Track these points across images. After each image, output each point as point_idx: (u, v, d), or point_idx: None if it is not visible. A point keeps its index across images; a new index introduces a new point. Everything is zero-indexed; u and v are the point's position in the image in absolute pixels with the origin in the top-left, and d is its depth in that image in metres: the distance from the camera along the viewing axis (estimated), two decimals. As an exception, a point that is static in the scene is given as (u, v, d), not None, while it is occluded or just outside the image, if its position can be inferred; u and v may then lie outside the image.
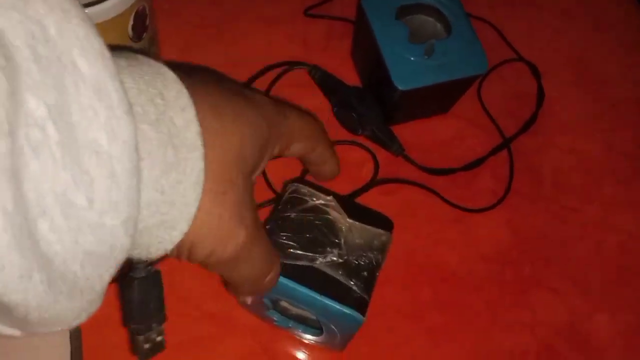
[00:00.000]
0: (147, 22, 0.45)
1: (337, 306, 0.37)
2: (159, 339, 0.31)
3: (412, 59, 0.49)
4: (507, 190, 0.56)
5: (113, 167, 0.21)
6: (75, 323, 0.22)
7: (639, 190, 0.58)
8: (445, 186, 0.55)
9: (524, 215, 0.56)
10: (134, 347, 0.31)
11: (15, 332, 0.21)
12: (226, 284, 0.36)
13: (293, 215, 0.38)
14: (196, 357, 0.47)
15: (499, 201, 0.55)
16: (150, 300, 0.30)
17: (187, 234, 0.27)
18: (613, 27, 0.67)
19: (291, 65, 0.56)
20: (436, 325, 0.51)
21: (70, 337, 0.46)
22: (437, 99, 0.55)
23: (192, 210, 0.26)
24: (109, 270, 0.23)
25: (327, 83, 0.54)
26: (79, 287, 0.21)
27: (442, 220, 0.54)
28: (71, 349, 0.45)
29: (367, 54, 0.53)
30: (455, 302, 0.52)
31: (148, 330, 0.30)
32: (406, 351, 0.49)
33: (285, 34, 0.60)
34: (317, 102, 0.56)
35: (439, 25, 0.53)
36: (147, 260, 0.29)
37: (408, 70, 0.49)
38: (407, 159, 0.54)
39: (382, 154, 0.54)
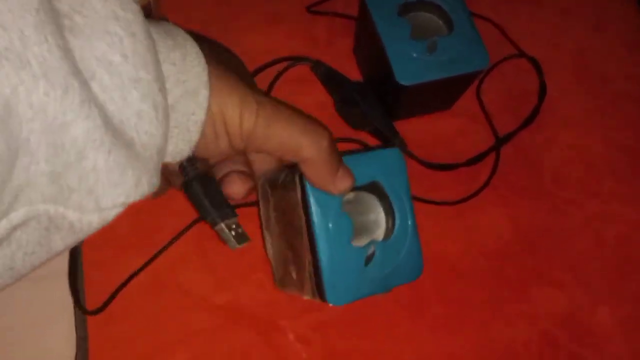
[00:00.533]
0: (152, 16, 0.45)
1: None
2: (240, 230, 0.35)
3: (414, 55, 0.50)
4: (487, 181, 0.56)
5: (132, 28, 0.25)
6: (135, 191, 0.25)
7: (639, 184, 0.59)
8: (447, 182, 0.56)
9: (525, 210, 0.56)
10: (222, 238, 0.35)
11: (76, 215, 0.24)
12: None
13: None
14: (200, 349, 0.48)
15: (481, 188, 0.56)
16: (215, 195, 0.34)
17: (212, 102, 0.30)
18: (614, 25, 0.67)
19: (294, 60, 0.57)
20: (438, 318, 0.51)
21: (76, 328, 0.47)
22: (439, 95, 0.55)
23: (204, 76, 0.30)
24: (159, 138, 0.26)
25: (330, 79, 0.54)
26: (135, 152, 0.25)
27: (443, 215, 0.55)
28: (77, 338, 0.46)
29: (370, 50, 0.54)
30: (456, 296, 0.52)
31: (226, 218, 0.34)
32: (408, 345, 0.50)
33: (288, 30, 0.60)
34: (319, 97, 0.56)
35: (441, 22, 0.53)
36: (195, 161, 0.33)
37: (410, 67, 0.50)
38: (410, 154, 0.55)
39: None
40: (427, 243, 0.53)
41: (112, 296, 0.48)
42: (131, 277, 0.48)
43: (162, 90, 0.27)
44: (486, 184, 0.56)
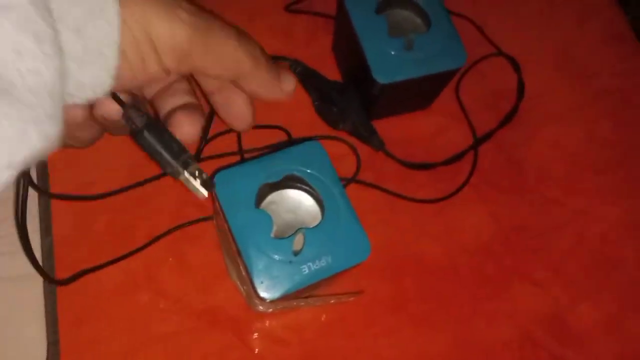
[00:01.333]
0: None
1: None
2: (204, 176, 0.32)
3: (392, 53, 0.50)
4: (467, 180, 0.56)
5: None
6: (20, 146, 0.22)
7: (621, 181, 0.59)
8: (426, 181, 0.55)
9: (506, 207, 0.56)
10: (190, 188, 0.32)
11: None
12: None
13: None
14: (175, 351, 0.47)
15: (461, 187, 0.56)
16: (169, 141, 0.31)
17: (129, 16, 0.26)
18: (595, 20, 0.67)
19: (272, 59, 0.56)
20: (418, 316, 0.51)
21: (47, 332, 0.46)
22: (418, 93, 0.55)
23: None
24: (49, 76, 0.22)
25: (308, 77, 0.54)
26: (13, 97, 0.21)
27: (424, 214, 0.54)
28: (47, 343, 0.45)
29: (348, 48, 0.53)
30: (437, 293, 0.52)
31: (188, 165, 0.32)
32: (387, 341, 0.50)
33: (266, 28, 0.60)
34: (298, 96, 0.56)
35: (418, 20, 0.53)
36: (140, 106, 0.31)
37: (388, 64, 0.49)
38: (388, 153, 0.54)
39: (362, 149, 0.54)
40: (407, 242, 0.53)
41: (83, 272, 0.47)
42: (105, 264, 0.48)
43: (45, 14, 0.22)
44: (465, 182, 0.56)
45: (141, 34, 0.27)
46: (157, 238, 0.49)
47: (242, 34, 0.32)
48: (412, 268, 0.52)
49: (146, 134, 0.30)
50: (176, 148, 0.31)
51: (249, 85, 0.33)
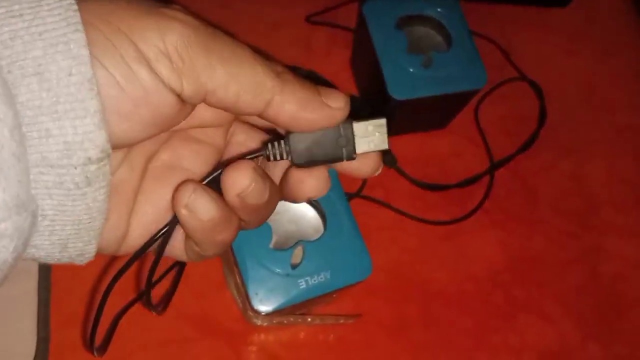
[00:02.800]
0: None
1: None
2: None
3: (410, 69, 0.49)
4: (480, 204, 0.54)
5: None
6: None
7: (638, 218, 0.57)
8: (438, 202, 0.54)
9: (518, 237, 0.54)
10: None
11: None
12: None
13: None
14: (168, 358, 0.46)
15: (473, 211, 0.54)
16: (317, 143, 0.26)
17: (104, 41, 0.21)
18: (622, 52, 0.66)
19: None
20: (419, 343, 0.49)
21: (38, 328, 0.45)
22: (434, 113, 0.54)
23: (70, 12, 0.21)
24: None
25: (323, 90, 0.53)
26: None
27: (432, 237, 0.53)
28: (37, 339, 0.45)
29: (365, 62, 0.52)
30: (440, 321, 0.50)
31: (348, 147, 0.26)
32: (385, 368, 0.48)
33: (287, 38, 0.59)
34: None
35: (439, 38, 0.52)
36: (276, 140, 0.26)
37: (405, 81, 0.48)
38: (400, 171, 0.53)
39: (375, 165, 0.53)
40: (413, 264, 0.52)
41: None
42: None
43: None
44: (478, 206, 0.54)
45: (121, 42, 0.22)
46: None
47: (252, 50, 0.26)
48: (416, 292, 0.51)
49: (302, 155, 0.26)
50: (328, 139, 0.26)
51: (282, 108, 0.25)
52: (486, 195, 0.54)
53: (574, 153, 0.59)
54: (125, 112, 0.22)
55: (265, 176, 0.25)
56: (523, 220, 0.55)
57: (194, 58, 0.23)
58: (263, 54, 0.26)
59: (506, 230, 0.54)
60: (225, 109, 0.25)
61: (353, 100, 0.51)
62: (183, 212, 0.24)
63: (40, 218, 0.21)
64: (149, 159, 0.26)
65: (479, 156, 0.57)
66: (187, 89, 0.23)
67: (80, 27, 0.20)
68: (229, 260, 0.42)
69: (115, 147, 0.22)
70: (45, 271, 0.46)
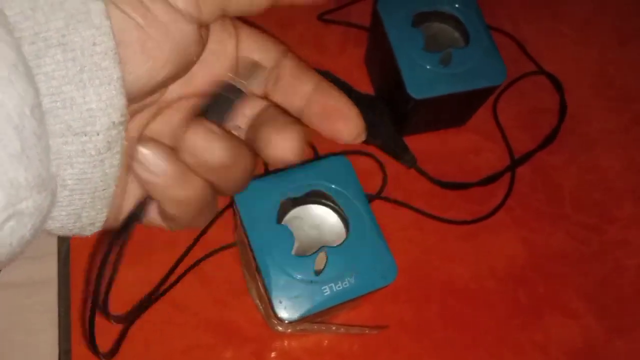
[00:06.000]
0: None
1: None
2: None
3: (427, 67, 0.48)
4: (502, 202, 0.54)
5: None
6: None
7: (662, 211, 0.56)
8: (458, 201, 0.53)
9: (540, 233, 0.53)
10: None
11: None
12: None
13: None
14: (192, 368, 0.45)
15: (495, 209, 0.53)
16: None
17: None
18: (636, 40, 0.64)
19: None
20: (443, 343, 0.48)
21: (59, 340, 0.45)
22: (453, 110, 0.53)
23: None
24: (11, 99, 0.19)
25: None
26: None
27: (453, 236, 0.52)
28: (59, 352, 0.44)
29: (382, 61, 0.51)
30: (463, 319, 0.50)
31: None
32: (410, 370, 0.48)
33: (299, 37, 0.58)
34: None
35: (456, 34, 0.51)
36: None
37: (423, 79, 0.47)
38: (420, 171, 0.52)
39: (394, 165, 0.52)
40: (435, 264, 0.51)
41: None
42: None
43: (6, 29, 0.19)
44: (501, 205, 0.53)
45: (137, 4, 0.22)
46: (180, 261, 0.48)
47: None
48: (438, 292, 0.50)
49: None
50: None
51: None
52: (508, 194, 0.54)
53: (592, 145, 0.58)
54: (147, 51, 0.22)
55: (223, 137, 0.25)
56: (545, 216, 0.54)
57: None
58: None
59: (528, 227, 0.53)
60: (244, 11, 0.26)
61: (370, 100, 0.50)
62: (136, 167, 0.25)
63: (59, 189, 0.22)
64: (143, 129, 0.27)
65: (498, 152, 0.56)
66: (205, 8, 0.24)
67: None
68: (251, 266, 0.42)
69: (138, 91, 0.23)
70: (65, 281, 0.46)
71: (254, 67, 0.28)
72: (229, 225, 0.49)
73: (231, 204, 0.47)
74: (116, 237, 0.27)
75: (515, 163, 0.55)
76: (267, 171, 0.50)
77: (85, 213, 0.23)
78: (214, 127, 0.25)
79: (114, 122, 0.21)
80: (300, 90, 0.28)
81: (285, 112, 0.28)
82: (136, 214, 0.27)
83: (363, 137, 0.28)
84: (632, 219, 0.55)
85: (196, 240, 0.49)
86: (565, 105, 0.57)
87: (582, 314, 0.51)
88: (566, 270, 0.52)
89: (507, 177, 0.54)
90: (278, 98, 0.29)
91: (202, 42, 0.25)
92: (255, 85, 0.28)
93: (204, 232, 0.49)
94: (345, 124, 0.28)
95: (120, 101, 0.21)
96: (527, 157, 0.55)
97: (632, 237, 0.54)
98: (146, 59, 0.23)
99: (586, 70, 0.62)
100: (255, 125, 0.28)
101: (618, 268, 0.53)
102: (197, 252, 0.48)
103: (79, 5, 0.20)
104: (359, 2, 0.59)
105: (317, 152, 0.52)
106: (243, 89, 0.27)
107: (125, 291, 0.46)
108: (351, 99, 0.51)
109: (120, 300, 0.46)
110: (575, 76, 0.61)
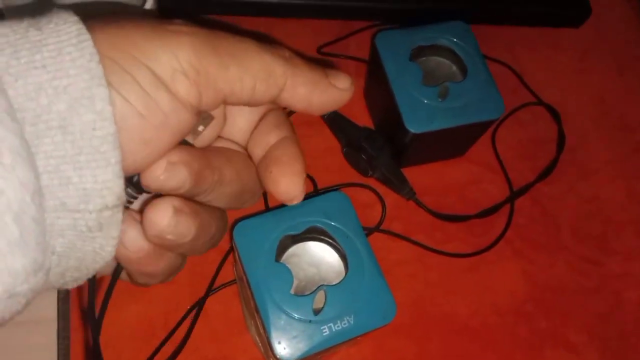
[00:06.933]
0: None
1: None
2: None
3: (425, 101, 0.48)
4: (501, 234, 0.53)
5: None
6: None
7: (663, 242, 0.56)
8: (458, 233, 0.53)
9: (540, 266, 0.53)
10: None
11: None
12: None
13: None
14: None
15: (495, 242, 0.53)
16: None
17: (120, 82, 0.22)
18: (635, 69, 0.64)
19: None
20: (444, 380, 0.48)
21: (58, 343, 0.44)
22: (451, 143, 0.53)
23: (93, 63, 0.21)
24: (11, 190, 0.19)
25: (337, 123, 0.52)
26: None
27: (453, 269, 0.52)
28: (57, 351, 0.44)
29: (380, 94, 0.52)
30: (465, 356, 0.49)
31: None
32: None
33: (298, 71, 0.58)
34: (329, 142, 0.54)
35: (454, 67, 0.51)
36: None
37: (421, 113, 0.47)
38: (419, 203, 0.52)
39: (393, 198, 0.52)
40: (435, 298, 0.51)
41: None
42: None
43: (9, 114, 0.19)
44: (500, 237, 0.53)
45: (137, 69, 0.22)
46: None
47: (258, 41, 0.26)
48: (439, 327, 0.50)
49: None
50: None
51: (295, 91, 0.26)
52: (507, 226, 0.53)
53: (592, 175, 0.58)
54: (147, 138, 0.23)
55: (192, 211, 0.25)
56: (544, 248, 0.54)
57: (207, 65, 0.24)
58: (268, 41, 0.26)
59: (528, 260, 0.53)
60: (243, 104, 0.26)
61: (369, 133, 0.50)
62: None
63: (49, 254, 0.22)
64: None
65: (497, 183, 0.56)
66: (206, 98, 0.24)
67: (103, 81, 0.21)
68: (249, 304, 0.41)
69: (135, 171, 0.24)
70: (64, 320, 0.46)
71: (205, 117, 0.28)
72: (229, 260, 0.49)
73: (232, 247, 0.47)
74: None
75: (514, 195, 0.55)
76: (266, 208, 0.50)
77: (69, 274, 0.24)
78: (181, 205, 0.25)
79: (107, 205, 0.22)
80: (264, 141, 0.29)
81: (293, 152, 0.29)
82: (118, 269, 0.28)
83: (298, 200, 0.29)
84: (633, 251, 0.55)
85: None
86: (563, 136, 0.58)
87: (584, 349, 0.50)
88: (567, 303, 0.52)
89: (506, 209, 0.54)
90: (248, 146, 0.30)
91: (194, 121, 0.26)
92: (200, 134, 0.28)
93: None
94: (287, 181, 0.28)
95: (117, 185, 0.22)
96: (526, 188, 0.55)
97: (633, 269, 0.54)
98: (144, 147, 0.23)
99: (585, 100, 0.62)
100: (266, 162, 0.28)
101: (619, 301, 0.53)
102: (199, 290, 0.48)
103: (83, 91, 0.20)
104: (358, 35, 0.59)
105: (316, 184, 0.52)
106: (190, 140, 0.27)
107: (127, 329, 0.46)
108: (349, 132, 0.52)
109: (123, 336, 0.46)
110: (574, 106, 0.61)
